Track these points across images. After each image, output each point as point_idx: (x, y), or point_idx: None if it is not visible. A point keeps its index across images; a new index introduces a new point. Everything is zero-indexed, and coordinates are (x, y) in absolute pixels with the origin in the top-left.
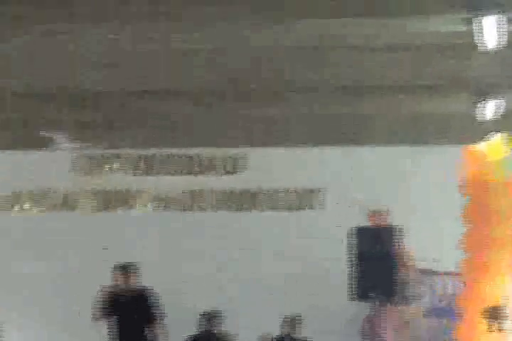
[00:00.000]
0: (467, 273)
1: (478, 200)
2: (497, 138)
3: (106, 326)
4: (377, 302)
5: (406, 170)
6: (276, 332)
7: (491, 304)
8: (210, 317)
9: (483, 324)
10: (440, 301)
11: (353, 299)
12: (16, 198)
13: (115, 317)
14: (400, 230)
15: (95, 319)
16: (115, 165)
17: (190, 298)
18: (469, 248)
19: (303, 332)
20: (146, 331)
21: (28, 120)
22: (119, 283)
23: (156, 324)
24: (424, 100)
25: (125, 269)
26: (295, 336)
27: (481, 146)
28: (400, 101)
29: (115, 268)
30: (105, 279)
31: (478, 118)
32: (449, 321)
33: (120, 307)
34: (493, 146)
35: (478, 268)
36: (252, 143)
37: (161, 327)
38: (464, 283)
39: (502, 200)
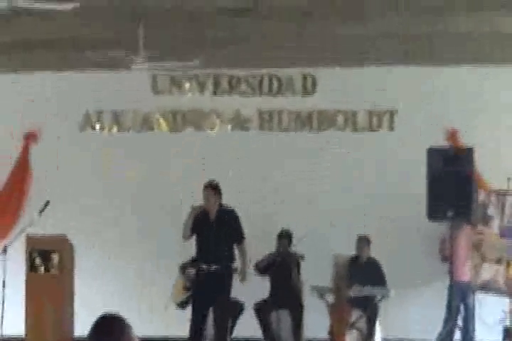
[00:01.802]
0: None
1: None
2: None
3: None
4: (454, 222)
5: (483, 90)
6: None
7: None
8: (286, 237)
9: None
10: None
11: (430, 218)
12: (96, 117)
13: (204, 234)
14: (473, 150)
15: (185, 236)
16: (193, 85)
17: (268, 218)
18: None
19: (380, 251)
20: (232, 249)
21: (109, 39)
22: (209, 201)
23: (241, 242)
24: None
25: (216, 187)
26: (368, 256)
27: None
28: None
29: (207, 186)
30: (188, 200)
31: None
32: None
33: (210, 224)
34: None
35: None
36: (328, 63)
37: (244, 245)
38: None
39: None
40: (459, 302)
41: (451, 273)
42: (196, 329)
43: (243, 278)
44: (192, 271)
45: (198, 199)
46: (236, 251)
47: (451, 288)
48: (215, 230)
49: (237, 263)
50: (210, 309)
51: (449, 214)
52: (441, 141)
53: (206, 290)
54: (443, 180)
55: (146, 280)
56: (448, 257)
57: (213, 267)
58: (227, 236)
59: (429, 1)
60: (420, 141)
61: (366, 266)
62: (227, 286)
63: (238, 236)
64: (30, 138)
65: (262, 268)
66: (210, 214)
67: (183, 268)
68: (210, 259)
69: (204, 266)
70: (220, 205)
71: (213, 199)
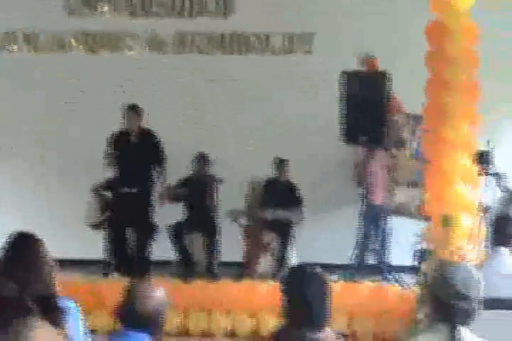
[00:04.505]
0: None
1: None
2: None
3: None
4: (368, 146)
5: (392, 16)
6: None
7: None
8: (202, 160)
9: None
10: None
11: (344, 143)
12: (8, 38)
13: (124, 155)
14: (389, 75)
15: (106, 159)
16: (107, 7)
17: (185, 141)
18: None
19: (297, 176)
20: (152, 171)
21: None
22: (130, 123)
23: (161, 164)
24: None
25: (137, 110)
26: (285, 179)
27: None
28: None
29: (129, 108)
30: (108, 120)
31: None
32: None
33: (131, 146)
34: None
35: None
36: None
37: (164, 167)
38: None
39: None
40: (372, 225)
41: (365, 196)
42: (115, 249)
43: (161, 201)
44: (108, 193)
45: (115, 122)
46: (155, 173)
47: (363, 211)
48: (136, 152)
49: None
50: (127, 230)
51: (363, 138)
52: (356, 65)
53: (125, 212)
54: (357, 104)
55: (58, 201)
56: (361, 181)
57: (133, 189)
58: (148, 158)
59: None
60: (336, 64)
61: (283, 189)
62: (147, 207)
63: (159, 158)
64: None
65: (177, 197)
66: (131, 136)
67: (97, 189)
68: (130, 181)
69: (124, 188)
70: (141, 127)
71: (134, 121)
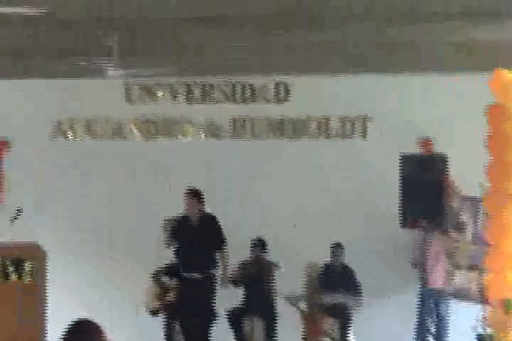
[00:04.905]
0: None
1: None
2: None
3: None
4: (427, 229)
5: (453, 98)
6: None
7: None
8: (259, 244)
9: None
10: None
11: (403, 226)
12: (69, 125)
13: (185, 240)
14: (446, 158)
15: (167, 244)
16: (166, 93)
17: (241, 225)
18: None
19: (353, 260)
20: (214, 256)
21: (80, 48)
22: (190, 208)
23: (222, 248)
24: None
25: (198, 194)
26: (341, 263)
27: None
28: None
29: (188, 193)
30: (160, 207)
31: None
32: None
33: (192, 231)
34: None
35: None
36: (298, 71)
37: (225, 251)
38: None
39: None
40: (431, 309)
41: (423, 280)
42: (172, 337)
43: (225, 285)
44: (167, 278)
45: (173, 208)
46: (217, 258)
47: (422, 295)
48: (196, 237)
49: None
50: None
51: (422, 221)
52: (413, 149)
53: (189, 298)
54: (415, 188)
55: (117, 286)
56: (420, 265)
57: (195, 274)
58: (209, 243)
59: (395, 9)
60: (393, 148)
61: (340, 274)
62: (211, 294)
63: (220, 242)
64: (1, 147)
65: (237, 282)
66: (192, 220)
67: (157, 275)
68: (191, 266)
69: (185, 274)
70: (202, 212)
71: (195, 206)
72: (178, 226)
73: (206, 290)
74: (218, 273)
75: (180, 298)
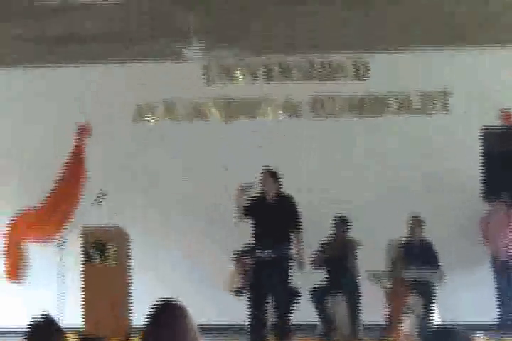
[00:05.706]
0: None
1: None
2: None
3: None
4: (508, 203)
5: None
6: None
7: None
8: (341, 223)
9: None
10: None
11: (485, 199)
12: (149, 108)
13: (261, 219)
14: None
15: (239, 218)
16: (245, 74)
17: (323, 203)
18: None
19: (433, 233)
20: (288, 236)
21: (156, 30)
22: (266, 187)
23: (297, 229)
24: None
25: (274, 174)
26: (421, 238)
27: None
28: None
29: (265, 172)
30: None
31: None
32: None
33: (268, 210)
34: None
35: None
36: (375, 48)
37: (300, 232)
38: None
39: None
40: (507, 282)
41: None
42: (256, 316)
43: (300, 268)
44: (248, 259)
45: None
46: (292, 239)
47: (495, 268)
48: (272, 216)
49: (293, 251)
50: (269, 296)
51: (504, 194)
52: (494, 122)
53: (264, 278)
54: (498, 160)
55: (200, 268)
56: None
57: (270, 254)
58: (284, 223)
59: None
60: (474, 121)
61: (420, 249)
62: (286, 273)
63: (295, 223)
64: (83, 131)
65: (321, 263)
66: (268, 199)
67: (238, 255)
68: (266, 246)
69: (261, 254)
70: (278, 192)
71: (271, 185)
72: (253, 204)
73: (280, 269)
74: (293, 254)
75: (256, 277)
